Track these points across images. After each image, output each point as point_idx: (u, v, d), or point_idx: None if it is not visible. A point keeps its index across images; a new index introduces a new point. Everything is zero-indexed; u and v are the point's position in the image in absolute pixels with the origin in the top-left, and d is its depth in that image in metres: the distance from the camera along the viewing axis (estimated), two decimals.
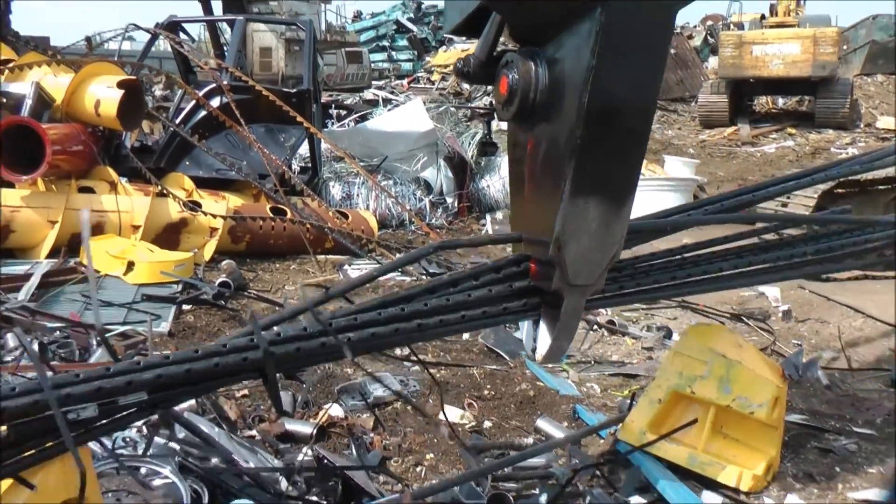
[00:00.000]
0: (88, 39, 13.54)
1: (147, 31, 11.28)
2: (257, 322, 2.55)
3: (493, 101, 2.78)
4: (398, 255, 9.07)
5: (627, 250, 3.15)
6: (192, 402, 4.72)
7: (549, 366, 6.14)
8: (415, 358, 6.05)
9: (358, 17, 38.26)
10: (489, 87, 2.86)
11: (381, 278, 7.50)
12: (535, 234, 2.67)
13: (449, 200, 13.31)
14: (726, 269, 3.33)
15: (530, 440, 4.79)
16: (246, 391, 5.19)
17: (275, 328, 2.59)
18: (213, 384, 2.72)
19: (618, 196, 2.55)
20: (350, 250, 9.30)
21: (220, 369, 2.46)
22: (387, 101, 19.74)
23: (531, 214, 2.73)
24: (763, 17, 27.73)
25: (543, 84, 2.49)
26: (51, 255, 7.86)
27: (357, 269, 8.93)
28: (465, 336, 6.70)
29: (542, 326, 2.86)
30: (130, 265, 7.43)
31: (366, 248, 9.46)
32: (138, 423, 4.09)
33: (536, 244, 2.68)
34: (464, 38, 18.27)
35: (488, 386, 5.67)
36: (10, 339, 5.27)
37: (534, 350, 2.90)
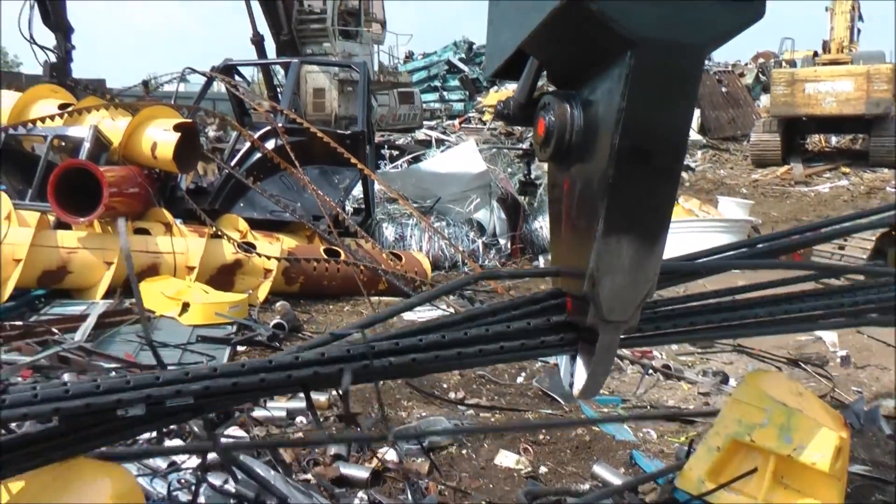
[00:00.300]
0: (146, 83, 13.87)
1: (203, 74, 11.53)
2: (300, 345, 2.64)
3: (532, 142, 2.86)
4: (451, 297, 9.12)
5: (664, 290, 3.19)
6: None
7: (606, 410, 6.13)
8: (470, 402, 6.15)
9: (410, 57, 38.60)
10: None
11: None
12: (571, 270, 2.73)
13: (502, 242, 13.35)
14: (762, 315, 3.33)
15: (587, 486, 4.78)
16: (301, 433, 5.25)
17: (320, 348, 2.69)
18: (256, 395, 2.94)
19: (650, 234, 2.60)
20: (403, 292, 9.36)
21: (266, 384, 2.57)
22: (440, 142, 19.91)
23: (568, 251, 2.79)
24: (816, 53, 27.35)
25: (578, 126, 2.56)
26: (106, 295, 8.03)
27: (411, 312, 8.97)
28: (520, 379, 6.72)
29: (579, 361, 2.91)
30: (185, 306, 7.55)
31: (419, 290, 9.51)
32: (193, 466, 4.20)
33: (572, 280, 2.74)
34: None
35: (543, 430, 5.66)
36: (67, 378, 5.38)
37: (571, 385, 2.93)
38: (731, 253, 3.56)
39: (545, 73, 2.82)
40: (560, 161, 2.67)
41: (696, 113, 27.36)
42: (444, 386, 6.50)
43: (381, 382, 6.34)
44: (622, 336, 2.84)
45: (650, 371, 7.17)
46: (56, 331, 6.65)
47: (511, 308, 2.92)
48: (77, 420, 2.49)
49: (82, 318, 7.07)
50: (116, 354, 6.26)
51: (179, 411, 2.60)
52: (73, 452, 2.60)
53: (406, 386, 6.32)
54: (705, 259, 3.61)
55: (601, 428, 5.70)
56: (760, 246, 3.54)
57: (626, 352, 7.49)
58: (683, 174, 22.67)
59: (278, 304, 8.32)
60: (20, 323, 6.86)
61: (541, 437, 5.55)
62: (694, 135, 26.55)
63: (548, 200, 3.05)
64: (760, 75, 34.07)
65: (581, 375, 2.89)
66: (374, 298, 9.24)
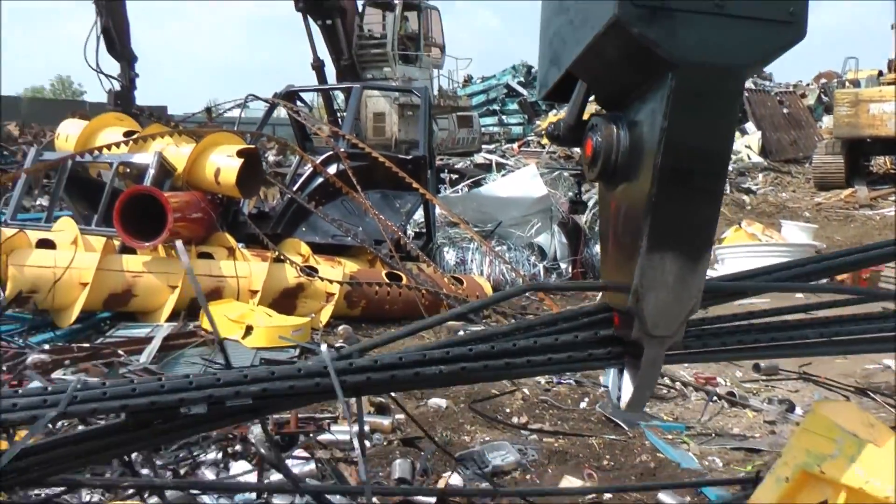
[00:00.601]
0: (208, 110, 14.12)
1: (265, 101, 11.75)
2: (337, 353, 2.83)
3: (581, 163, 2.95)
4: (512, 321, 9.14)
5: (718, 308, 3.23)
6: (312, 466, 4.90)
7: (669, 436, 6.10)
8: (534, 427, 6.17)
9: (469, 81, 38.78)
10: None
11: None
12: (617, 285, 2.83)
13: (563, 266, 13.34)
14: (811, 336, 3.35)
15: None
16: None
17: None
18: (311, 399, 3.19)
19: (693, 252, 2.68)
20: (465, 316, 9.39)
21: (320, 388, 2.73)
22: (500, 167, 19.97)
23: (614, 267, 2.88)
24: (880, 73, 26.88)
25: (624, 146, 2.64)
26: (170, 318, 8.20)
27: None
28: (583, 404, 6.72)
29: (626, 375, 3.00)
30: (249, 329, 7.67)
31: (481, 315, 9.54)
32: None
33: (618, 295, 2.83)
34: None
35: (607, 456, 5.65)
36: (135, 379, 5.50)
37: (618, 398, 3.02)
38: (778, 273, 3.58)
39: (593, 95, 2.91)
40: (607, 180, 2.76)
41: (758, 135, 27.13)
42: (507, 410, 6.53)
43: (445, 406, 6.41)
44: (668, 352, 2.91)
45: (714, 398, 7.12)
46: (122, 353, 6.81)
47: (559, 321, 3.03)
48: (143, 416, 2.69)
49: (147, 340, 7.23)
50: None
51: (239, 412, 2.79)
52: (141, 447, 2.93)
53: (469, 410, 6.36)
54: (750, 279, 3.65)
55: (665, 454, 5.69)
56: (808, 267, 3.55)
57: (689, 378, 7.47)
58: (744, 197, 22.46)
59: (341, 327, 8.41)
60: (87, 345, 7.04)
61: (605, 462, 5.55)
62: (755, 157, 26.31)
63: (599, 218, 3.13)
64: (823, 96, 33.62)
65: (628, 389, 2.98)
66: None
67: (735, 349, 3.31)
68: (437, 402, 6.50)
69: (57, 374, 6.08)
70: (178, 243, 7.96)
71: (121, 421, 2.74)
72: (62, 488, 4.05)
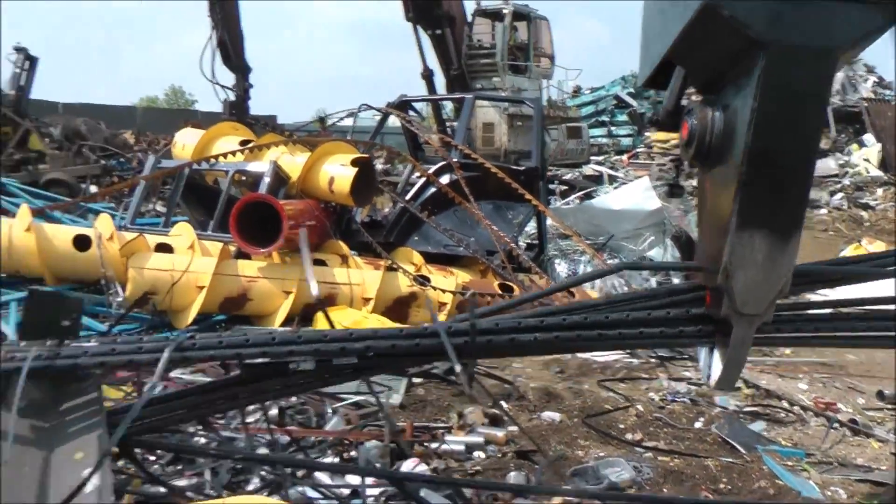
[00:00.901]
0: (322, 119, 14.41)
1: (378, 110, 11.92)
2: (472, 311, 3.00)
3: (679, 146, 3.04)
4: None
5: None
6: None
7: (789, 463, 5.98)
8: (648, 444, 6.13)
9: (577, 92, 38.62)
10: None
11: None
12: (709, 264, 2.90)
13: (675, 281, 13.18)
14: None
15: None
16: (479, 467, 5.35)
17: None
18: (413, 361, 3.48)
19: (782, 231, 2.74)
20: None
21: (421, 349, 2.93)
22: (612, 179, 19.86)
23: (707, 246, 2.97)
24: None
25: (718, 128, 2.73)
26: (284, 323, 8.36)
27: None
28: (698, 424, 6.64)
29: (716, 354, 3.08)
30: None
31: None
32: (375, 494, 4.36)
33: (710, 273, 2.90)
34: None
35: (724, 479, 5.56)
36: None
37: (709, 377, 3.13)
38: (881, 261, 3.54)
39: (691, 81, 3.04)
40: (702, 161, 2.85)
41: (877, 147, 26.34)
42: (621, 427, 6.49)
43: (559, 419, 6.41)
44: (758, 333, 2.98)
45: (836, 425, 6.92)
46: None
47: (651, 297, 3.17)
48: (256, 371, 2.95)
49: None
50: None
51: (345, 370, 3.02)
52: (254, 401, 3.25)
53: (582, 424, 6.36)
54: (848, 265, 3.63)
55: (784, 481, 5.57)
56: None
57: (808, 402, 7.31)
58: (862, 213, 21.83)
59: None
60: None
61: (721, 485, 5.47)
62: (874, 170, 25.54)
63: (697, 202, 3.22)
64: None
65: (717, 368, 3.07)
66: None
67: (829, 336, 3.35)
68: (551, 415, 6.52)
69: (175, 374, 6.25)
70: (302, 232, 8.19)
71: (236, 375, 3.00)
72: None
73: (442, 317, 8.93)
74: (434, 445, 5.54)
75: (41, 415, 2.99)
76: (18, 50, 21.76)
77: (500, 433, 5.83)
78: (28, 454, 2.82)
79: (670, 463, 5.78)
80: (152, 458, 4.72)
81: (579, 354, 8.61)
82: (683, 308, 3.08)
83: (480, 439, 5.72)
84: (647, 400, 7.15)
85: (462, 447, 5.57)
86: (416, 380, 7.11)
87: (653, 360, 8.42)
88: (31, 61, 21.58)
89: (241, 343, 2.85)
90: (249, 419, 5.41)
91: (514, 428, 5.98)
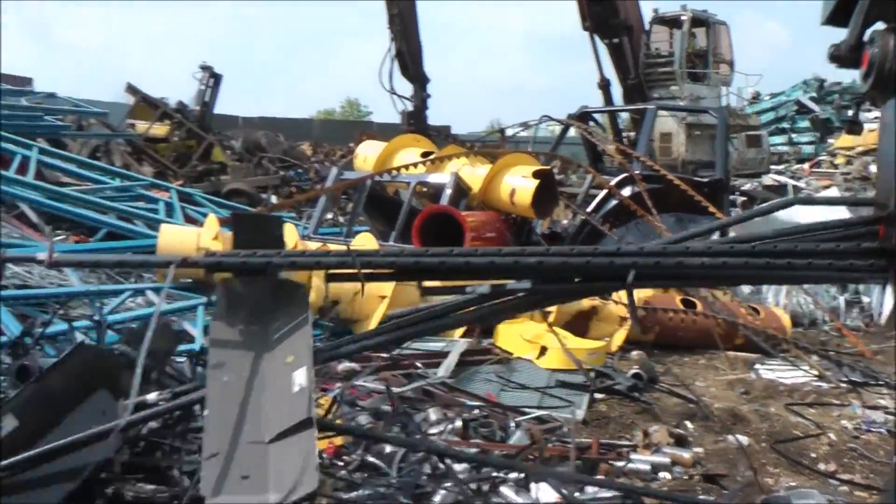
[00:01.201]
0: (501, 131, 14.59)
1: (559, 122, 11.96)
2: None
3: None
4: (813, 358, 8.82)
5: None
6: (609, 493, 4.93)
7: None
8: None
9: (756, 98, 37.65)
10: None
11: None
12: (884, 196, 2.89)
13: (865, 300, 12.69)
14: None
15: None
16: (665, 488, 5.30)
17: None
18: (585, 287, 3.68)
19: None
20: (762, 348, 9.11)
21: (590, 267, 3.14)
22: (797, 190, 19.29)
23: (883, 177, 2.95)
24: None
25: None
26: (465, 334, 8.45)
27: (769, 370, 8.73)
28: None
29: (888, 291, 3.02)
30: (543, 350, 7.80)
31: (778, 348, 9.20)
32: None
33: (884, 205, 2.89)
34: (871, 120, 17.49)
35: None
36: (432, 413, 5.76)
37: (880, 314, 3.04)
38: None
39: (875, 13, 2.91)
40: (882, 90, 2.80)
41: None
42: (813, 455, 6.26)
43: (747, 443, 6.25)
44: None
45: None
46: (419, 364, 7.12)
47: (822, 229, 3.20)
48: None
49: (444, 354, 7.50)
50: (477, 393, 6.60)
51: (518, 297, 3.35)
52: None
53: (771, 450, 6.20)
54: None
55: None
56: None
57: None
58: None
59: (635, 352, 8.40)
60: (386, 355, 7.39)
61: None
62: None
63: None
64: None
65: (889, 304, 3.00)
66: (731, 353, 9.09)
67: None
68: (739, 438, 6.37)
69: (358, 382, 6.42)
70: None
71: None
72: None
73: (623, 333, 8.90)
74: (620, 464, 5.52)
75: (257, 322, 3.58)
76: (204, 68, 22.91)
77: (686, 454, 5.75)
78: (245, 358, 3.39)
79: (868, 499, 5.54)
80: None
81: (765, 375, 8.42)
82: (855, 241, 3.05)
83: (666, 459, 5.64)
84: (840, 428, 6.85)
85: (648, 467, 5.52)
86: (598, 395, 7.10)
87: (843, 384, 8.13)
88: (216, 78, 22.64)
89: (421, 252, 3.28)
90: (433, 431, 5.52)
91: (699, 449, 5.90)
